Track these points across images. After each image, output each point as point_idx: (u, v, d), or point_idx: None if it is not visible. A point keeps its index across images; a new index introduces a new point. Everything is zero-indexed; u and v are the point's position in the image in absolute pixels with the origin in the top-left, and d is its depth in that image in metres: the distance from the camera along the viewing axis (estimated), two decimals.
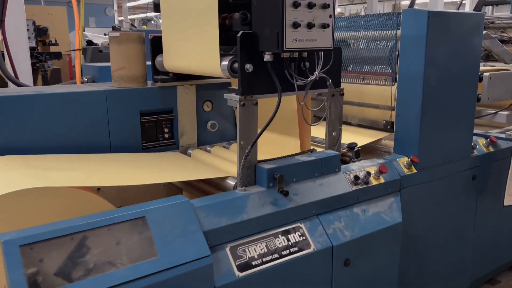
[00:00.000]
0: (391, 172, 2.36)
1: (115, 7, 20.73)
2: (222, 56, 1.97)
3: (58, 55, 5.10)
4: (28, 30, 4.42)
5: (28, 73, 3.93)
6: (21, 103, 2.14)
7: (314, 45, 1.79)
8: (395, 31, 2.45)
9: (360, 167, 2.29)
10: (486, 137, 2.94)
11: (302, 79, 1.93)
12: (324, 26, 1.78)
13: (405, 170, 2.42)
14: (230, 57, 1.92)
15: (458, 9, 3.10)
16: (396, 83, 2.49)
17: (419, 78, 2.35)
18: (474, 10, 3.29)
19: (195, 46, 2.12)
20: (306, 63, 1.99)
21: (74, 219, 1.47)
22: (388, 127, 2.65)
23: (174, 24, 2.27)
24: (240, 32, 1.80)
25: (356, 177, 2.18)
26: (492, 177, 2.93)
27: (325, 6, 1.76)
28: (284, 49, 1.70)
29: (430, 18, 2.27)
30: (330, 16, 1.80)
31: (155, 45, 2.54)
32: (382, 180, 2.29)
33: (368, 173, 2.22)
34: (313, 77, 1.97)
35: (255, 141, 1.89)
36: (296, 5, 1.68)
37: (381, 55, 2.56)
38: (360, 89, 2.80)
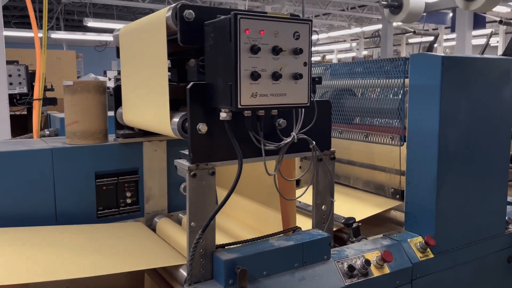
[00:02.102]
0: (400, 258, 1.84)
1: None
2: (176, 112, 1.57)
3: (53, 101, 4.90)
4: (19, 75, 4.23)
5: (5, 120, 3.67)
6: None
7: (283, 101, 1.36)
8: (402, 80, 2.01)
9: (357, 251, 1.79)
10: None
11: (271, 143, 1.49)
12: (296, 76, 1.36)
13: (419, 255, 1.89)
14: (183, 114, 1.52)
15: (482, 53, 2.67)
16: (405, 143, 2.01)
17: (433, 138, 1.87)
18: (503, 54, 2.83)
19: (146, 99, 1.73)
20: (281, 121, 1.56)
21: None
22: (397, 196, 2.14)
23: (129, 73, 1.91)
24: (190, 84, 1.40)
25: (351, 268, 1.67)
26: None
27: (296, 52, 1.34)
28: (239, 106, 1.28)
29: (444, 64, 1.82)
30: (305, 64, 1.38)
31: (118, 95, 2.17)
32: (387, 270, 1.77)
33: (367, 262, 1.70)
34: (289, 140, 1.53)
35: (208, 223, 1.44)
36: (255, 50, 1.27)
37: (386, 108, 2.10)
38: (365, 146, 2.33)
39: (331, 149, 1.78)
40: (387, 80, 2.08)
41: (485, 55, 2.19)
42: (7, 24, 16.48)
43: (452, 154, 1.91)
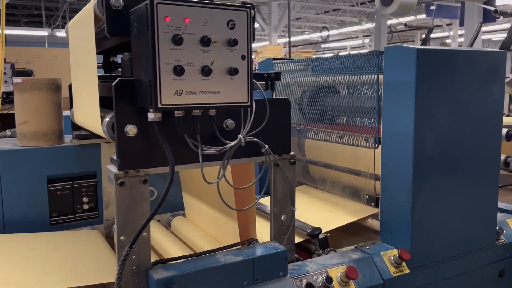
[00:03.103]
0: (370, 273, 1.65)
1: None
2: (111, 112, 1.41)
3: None
4: (5, 73, 4.15)
5: None
6: None
7: (217, 100, 1.19)
8: (376, 76, 1.81)
9: (321, 267, 1.61)
10: None
11: (210, 148, 1.32)
12: (231, 71, 1.18)
13: (392, 270, 1.69)
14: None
15: (471, 45, 2.44)
16: (380, 145, 1.82)
17: (408, 140, 1.67)
18: (501, 48, 2.60)
19: (83, 98, 1.58)
20: (229, 122, 1.39)
21: None
22: (371, 204, 1.95)
23: (74, 70, 1.76)
24: (116, 80, 1.24)
25: (310, 285, 1.49)
26: None
27: (231, 43, 1.17)
28: (160, 106, 1.11)
29: (420, 58, 1.62)
30: (243, 57, 1.20)
31: (72, 93, 2.03)
32: (352, 287, 1.59)
33: (329, 279, 1.52)
34: (233, 143, 1.35)
35: (136, 238, 1.28)
36: (177, 40, 1.10)
37: (361, 107, 1.91)
38: (341, 148, 2.14)
39: (291, 152, 1.60)
40: (362, 76, 1.88)
41: (470, 48, 1.98)
42: None
43: (430, 158, 1.71)
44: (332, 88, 2.31)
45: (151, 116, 1.20)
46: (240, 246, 1.59)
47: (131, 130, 1.25)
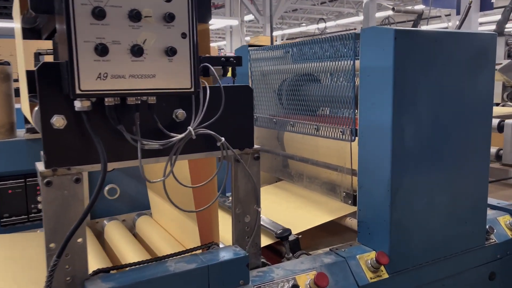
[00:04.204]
0: (343, 279, 1.49)
1: None
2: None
3: (18, 92, 4.61)
4: None
5: None
6: None
7: (152, 85, 1.02)
8: (352, 61, 1.64)
9: (288, 272, 1.45)
10: (510, 213, 2.00)
11: (151, 142, 1.15)
12: (168, 52, 1.01)
13: (369, 276, 1.54)
14: None
15: (460, 27, 2.27)
16: (357, 138, 1.66)
17: (385, 132, 1.51)
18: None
19: (22, 86, 1.41)
20: (179, 112, 1.22)
21: None
22: (349, 201, 1.78)
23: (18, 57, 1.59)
24: (40, 64, 1.07)
25: None
26: None
27: (167, 18, 1.00)
28: (78, 92, 0.94)
29: (398, 40, 1.45)
30: (184, 35, 1.03)
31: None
32: None
33: (295, 287, 1.36)
34: (180, 136, 1.19)
35: (65, 246, 1.11)
36: (99, 13, 0.93)
37: (337, 96, 1.74)
38: (319, 141, 1.98)
39: (255, 146, 1.43)
40: (338, 62, 1.71)
41: (455, 30, 1.81)
42: None
43: (410, 152, 1.55)
44: (311, 76, 2.14)
45: (77, 105, 1.03)
46: (199, 251, 1.43)
47: (58, 121, 1.09)
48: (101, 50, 0.93)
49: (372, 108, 1.56)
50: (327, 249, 1.65)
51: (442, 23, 18.87)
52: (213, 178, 1.43)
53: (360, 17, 19.07)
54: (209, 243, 1.45)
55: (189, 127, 1.21)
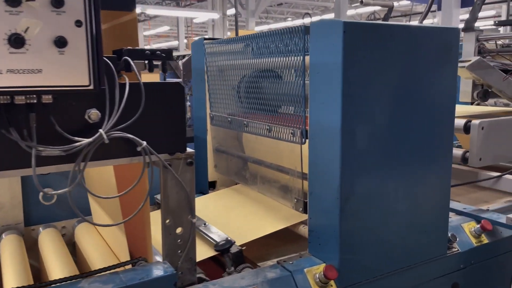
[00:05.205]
0: None
1: None
2: None
3: None
4: None
5: None
6: None
7: (38, 82, 0.87)
8: (302, 57, 1.50)
9: None
10: (476, 219, 1.89)
11: (48, 148, 0.99)
12: (58, 43, 0.86)
13: None
14: None
15: (422, 21, 2.15)
16: (307, 140, 1.52)
17: (334, 134, 1.37)
18: (464, 28, 2.30)
19: None
20: (91, 112, 1.07)
21: None
22: (300, 209, 1.65)
23: None
24: None
25: None
26: (487, 285, 1.86)
27: (55, 3, 0.84)
28: None
29: (347, 33, 1.31)
30: (79, 23, 0.87)
31: None
32: None
33: None
34: (87, 141, 1.03)
35: None
36: None
37: (288, 94, 1.60)
38: (273, 142, 1.84)
39: (188, 150, 1.29)
40: (289, 58, 1.57)
41: (416, 24, 1.68)
42: None
43: (363, 156, 1.42)
44: (272, 72, 1.99)
45: None
46: (124, 267, 1.29)
47: None
48: None
49: (321, 108, 1.42)
50: (274, 261, 1.52)
51: (427, 19, 18.84)
52: (141, 186, 1.28)
53: (347, 12, 18.97)
54: (136, 259, 1.30)
55: (100, 130, 1.05)
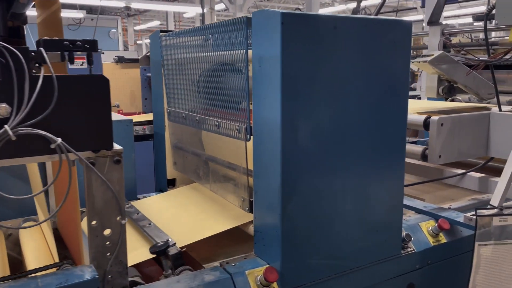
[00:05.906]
0: None
1: (120, 30, 20.17)
2: None
3: None
4: None
5: None
6: None
7: None
8: (244, 50, 1.43)
9: None
10: (435, 218, 1.84)
11: None
12: None
13: None
14: None
15: (377, 13, 2.08)
16: (252, 137, 1.46)
17: (274, 131, 1.31)
18: (429, 21, 2.24)
19: None
20: (0, 106, 1.00)
21: None
22: (246, 208, 1.59)
23: None
24: None
25: None
26: (444, 285, 1.82)
27: None
28: None
29: (286, 25, 1.25)
30: None
31: None
32: None
33: None
34: None
35: None
36: None
37: (234, 89, 1.53)
38: (222, 139, 1.77)
39: (116, 147, 1.22)
40: (233, 51, 1.50)
41: (356, 15, 1.62)
42: None
43: (306, 153, 1.36)
44: (227, 66, 1.92)
45: None
46: (54, 269, 1.22)
47: None
48: None
49: (263, 103, 1.36)
50: (217, 263, 1.46)
51: (418, 15, 18.74)
52: (72, 185, 1.21)
53: (337, 7, 18.87)
54: (60, 262, 1.23)
55: (6, 126, 0.98)
